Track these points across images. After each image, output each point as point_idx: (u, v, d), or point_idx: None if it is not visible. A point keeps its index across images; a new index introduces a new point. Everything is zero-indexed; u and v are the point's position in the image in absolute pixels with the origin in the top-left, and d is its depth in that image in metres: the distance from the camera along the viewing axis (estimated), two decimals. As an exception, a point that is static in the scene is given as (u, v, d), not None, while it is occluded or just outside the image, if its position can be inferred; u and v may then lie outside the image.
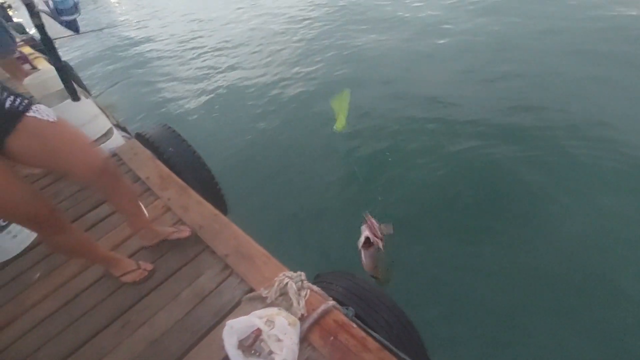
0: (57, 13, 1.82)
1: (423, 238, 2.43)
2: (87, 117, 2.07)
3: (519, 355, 1.82)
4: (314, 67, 4.89)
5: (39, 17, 1.69)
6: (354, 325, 1.23)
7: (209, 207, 1.74)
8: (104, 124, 2.21)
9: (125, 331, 1.33)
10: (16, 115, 1.03)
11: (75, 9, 1.91)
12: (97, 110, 2.17)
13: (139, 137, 2.40)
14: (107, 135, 2.22)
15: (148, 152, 2.17)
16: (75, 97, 2.03)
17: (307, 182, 3.08)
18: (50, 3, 1.79)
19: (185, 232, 1.59)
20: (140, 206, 1.50)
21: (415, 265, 2.25)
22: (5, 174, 1.05)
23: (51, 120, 1.09)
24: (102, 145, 2.19)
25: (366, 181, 2.86)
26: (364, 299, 1.50)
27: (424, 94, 3.82)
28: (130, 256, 1.57)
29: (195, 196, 1.80)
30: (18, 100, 1.04)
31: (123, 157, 2.15)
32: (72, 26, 2.06)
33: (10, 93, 1.05)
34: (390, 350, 1.17)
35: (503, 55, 4.21)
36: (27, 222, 1.18)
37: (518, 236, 2.31)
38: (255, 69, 5.19)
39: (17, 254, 1.69)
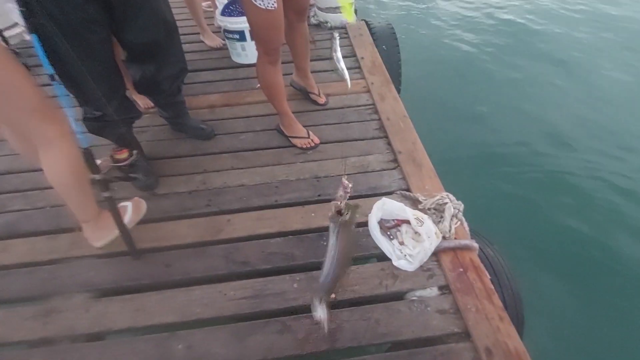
0: None
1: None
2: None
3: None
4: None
5: None
6: (487, 275, 1.20)
7: (402, 106, 1.79)
8: (350, -3, 2.38)
9: (301, 157, 1.59)
10: None
11: None
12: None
13: (365, 22, 2.54)
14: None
15: (370, 38, 2.30)
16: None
17: (501, 131, 2.85)
18: None
19: (313, 142, 1.62)
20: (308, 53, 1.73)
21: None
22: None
23: (262, 7, 1.19)
24: (338, 15, 2.40)
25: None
26: (494, 269, 1.43)
27: None
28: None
29: (394, 92, 1.88)
30: None
31: (350, 32, 2.33)
32: None
33: None
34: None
35: None
36: (271, 43, 1.35)
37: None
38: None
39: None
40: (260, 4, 1.18)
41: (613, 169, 2.50)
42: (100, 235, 1.26)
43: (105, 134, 1.40)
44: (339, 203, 0.89)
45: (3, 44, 1.04)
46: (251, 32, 2.01)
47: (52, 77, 1.01)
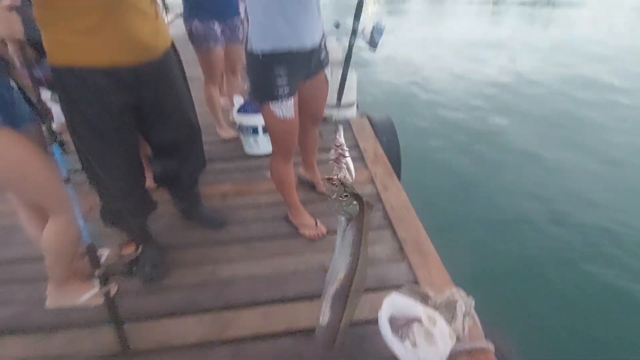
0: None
1: None
2: (350, 84, 2.56)
3: None
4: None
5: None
6: (507, 383, 1.13)
7: (405, 196, 1.88)
8: (353, 96, 2.67)
9: (309, 247, 1.62)
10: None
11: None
12: (355, 83, 2.64)
13: (367, 117, 2.80)
14: (350, 105, 2.68)
15: (372, 131, 2.51)
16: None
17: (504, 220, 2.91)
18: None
19: (321, 232, 1.65)
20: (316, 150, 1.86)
21: None
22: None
23: (281, 117, 1.33)
24: (342, 111, 2.66)
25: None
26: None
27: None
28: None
29: (397, 182, 1.99)
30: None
31: (353, 127, 2.56)
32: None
33: None
34: None
35: None
36: (286, 146, 1.48)
37: None
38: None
39: (267, 154, 2.29)
40: (279, 115, 1.33)
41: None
42: (56, 299, 1.36)
43: (121, 226, 1.46)
44: (338, 176, 0.82)
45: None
46: (264, 127, 2.24)
47: (66, 180, 1.10)
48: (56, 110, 1.57)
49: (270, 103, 1.31)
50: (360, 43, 1.87)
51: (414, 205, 1.86)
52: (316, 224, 1.69)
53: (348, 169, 2.02)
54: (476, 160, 3.82)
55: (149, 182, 1.86)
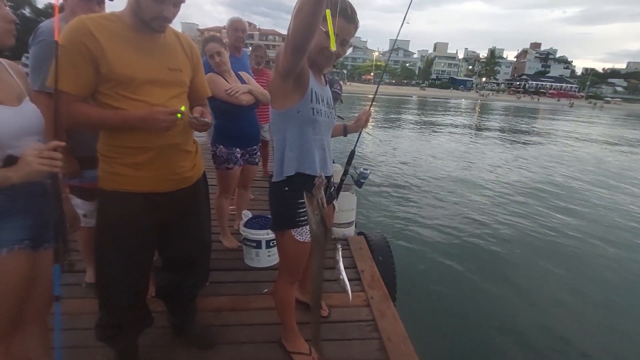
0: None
1: None
2: (351, 206, 2.78)
3: None
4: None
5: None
6: None
7: (402, 326, 1.85)
8: (352, 215, 2.86)
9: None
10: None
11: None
12: (355, 205, 2.86)
13: (363, 235, 2.93)
14: (350, 224, 2.84)
15: (369, 252, 2.60)
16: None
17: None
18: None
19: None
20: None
21: None
22: None
23: (301, 241, 1.41)
24: (342, 230, 2.81)
25: None
26: None
27: None
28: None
29: (394, 310, 1.98)
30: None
31: (351, 245, 2.66)
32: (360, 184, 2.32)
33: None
34: None
35: None
36: (298, 268, 1.52)
37: None
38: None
39: (265, 267, 2.34)
40: (299, 238, 1.41)
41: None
42: None
43: (112, 342, 1.42)
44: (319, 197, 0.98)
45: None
46: (267, 242, 2.34)
47: (56, 299, 1.12)
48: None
49: (292, 230, 1.42)
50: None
51: (410, 333, 1.82)
52: (310, 352, 1.63)
53: (345, 290, 2.05)
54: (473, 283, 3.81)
55: (150, 293, 1.87)
